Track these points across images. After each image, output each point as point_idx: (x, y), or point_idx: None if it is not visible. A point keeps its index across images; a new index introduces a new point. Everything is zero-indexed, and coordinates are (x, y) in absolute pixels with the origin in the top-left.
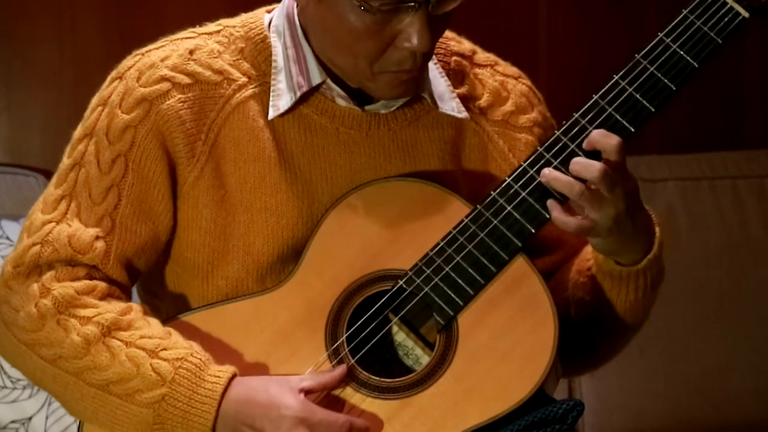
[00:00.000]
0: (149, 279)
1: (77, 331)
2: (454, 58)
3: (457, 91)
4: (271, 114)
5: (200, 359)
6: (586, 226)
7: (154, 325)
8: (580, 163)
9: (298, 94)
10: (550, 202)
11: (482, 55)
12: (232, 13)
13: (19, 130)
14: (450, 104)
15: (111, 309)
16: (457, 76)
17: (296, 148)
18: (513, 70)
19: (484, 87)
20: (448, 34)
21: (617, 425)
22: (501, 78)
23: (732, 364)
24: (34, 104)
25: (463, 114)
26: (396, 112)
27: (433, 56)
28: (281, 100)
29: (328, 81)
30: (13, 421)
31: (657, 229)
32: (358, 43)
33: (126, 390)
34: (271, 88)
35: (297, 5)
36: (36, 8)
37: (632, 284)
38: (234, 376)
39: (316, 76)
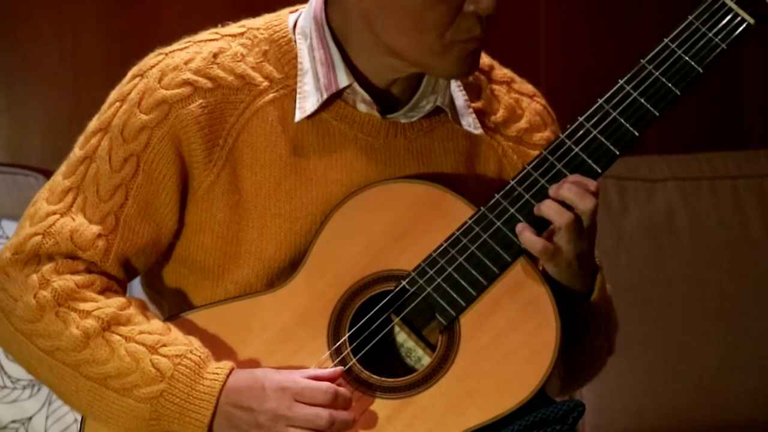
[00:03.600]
0: (152, 277)
1: (76, 324)
2: None
3: (474, 105)
4: (298, 116)
5: (199, 356)
6: (550, 249)
7: (153, 321)
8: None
9: (326, 95)
10: (520, 226)
11: (499, 72)
12: (233, 13)
13: (19, 130)
14: (467, 119)
15: (110, 303)
16: (474, 90)
17: (314, 153)
18: (528, 88)
19: (500, 103)
20: None
21: (618, 425)
22: (516, 96)
23: (732, 364)
24: (34, 104)
25: (479, 130)
26: (413, 122)
27: None
28: (308, 102)
29: (355, 84)
30: (13, 421)
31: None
32: (429, 13)
33: (124, 384)
34: (297, 90)
35: (331, 6)
36: (36, 8)
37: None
38: (231, 371)
39: (344, 79)
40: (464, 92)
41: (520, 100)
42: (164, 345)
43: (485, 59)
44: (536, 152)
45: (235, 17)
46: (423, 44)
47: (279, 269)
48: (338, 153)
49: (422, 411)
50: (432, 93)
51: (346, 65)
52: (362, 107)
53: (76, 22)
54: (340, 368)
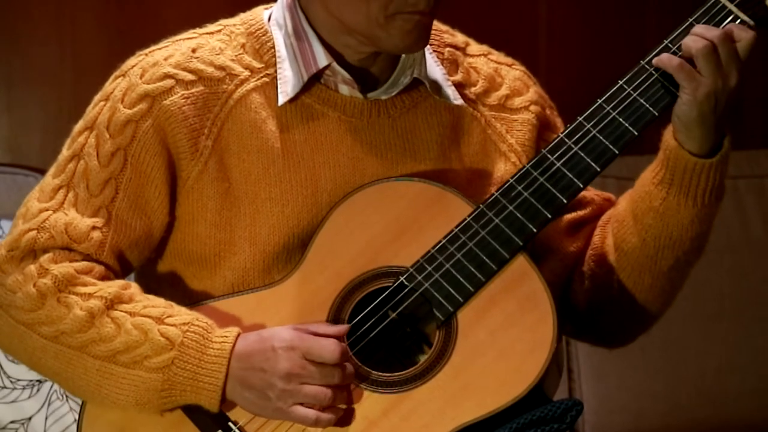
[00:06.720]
0: (148, 278)
1: (80, 305)
2: (447, 49)
3: (452, 78)
4: (281, 100)
5: (206, 323)
6: (687, 68)
7: (154, 298)
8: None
9: (306, 77)
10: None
11: (475, 46)
12: (232, 13)
13: (19, 130)
14: (446, 91)
15: (111, 284)
16: (451, 65)
17: (299, 137)
18: (506, 58)
19: (479, 74)
20: (441, 27)
21: (617, 426)
22: (495, 65)
23: (732, 364)
24: (34, 104)
25: (459, 101)
26: (395, 99)
27: (428, 46)
28: (289, 86)
29: (334, 64)
30: (13, 421)
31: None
32: None
33: (134, 358)
34: (278, 76)
35: None
36: (36, 8)
37: (703, 181)
38: (239, 335)
39: (323, 59)
40: (441, 67)
41: (499, 68)
42: (170, 315)
43: (459, 37)
44: (519, 116)
45: None
46: (368, 15)
47: (274, 253)
48: (323, 136)
49: (419, 405)
50: (409, 68)
51: (323, 46)
52: (344, 89)
53: (76, 22)
54: (345, 326)
